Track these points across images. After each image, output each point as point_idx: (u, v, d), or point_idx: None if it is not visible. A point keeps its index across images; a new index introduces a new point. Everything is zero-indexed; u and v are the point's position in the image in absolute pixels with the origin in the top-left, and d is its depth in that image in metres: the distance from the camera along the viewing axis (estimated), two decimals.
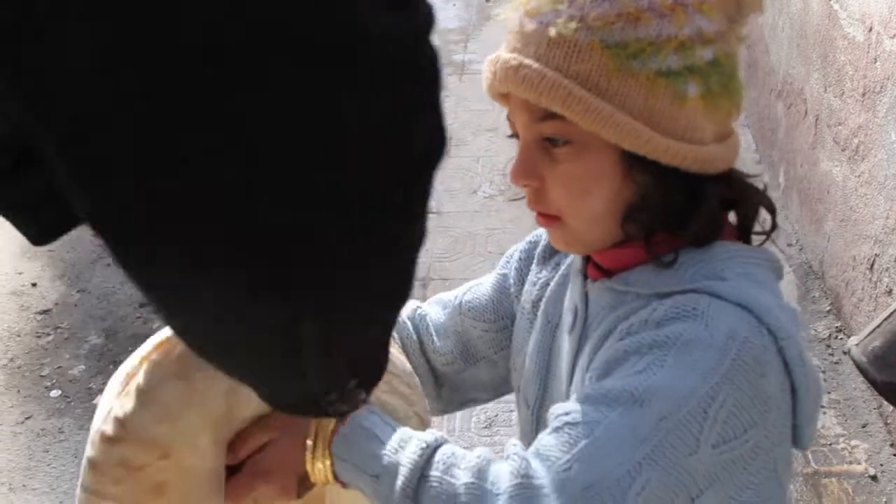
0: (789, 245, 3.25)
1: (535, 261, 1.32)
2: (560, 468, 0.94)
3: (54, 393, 3.11)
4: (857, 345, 2.63)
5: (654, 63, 1.01)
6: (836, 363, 2.68)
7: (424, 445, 1.00)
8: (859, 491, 2.39)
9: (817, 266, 3.06)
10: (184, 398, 0.98)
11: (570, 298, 1.22)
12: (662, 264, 1.07)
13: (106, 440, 0.97)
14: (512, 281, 1.36)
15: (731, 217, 1.13)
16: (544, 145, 1.05)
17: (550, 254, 1.30)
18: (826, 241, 2.97)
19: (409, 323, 1.39)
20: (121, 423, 0.96)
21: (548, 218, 1.08)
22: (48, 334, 3.40)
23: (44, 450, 2.87)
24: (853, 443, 2.42)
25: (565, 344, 1.21)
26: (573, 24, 1.00)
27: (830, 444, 2.41)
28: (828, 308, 2.90)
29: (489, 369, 1.36)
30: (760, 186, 1.13)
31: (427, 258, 3.34)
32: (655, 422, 0.94)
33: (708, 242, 1.07)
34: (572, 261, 1.24)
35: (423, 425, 1.19)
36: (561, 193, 1.06)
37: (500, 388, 1.39)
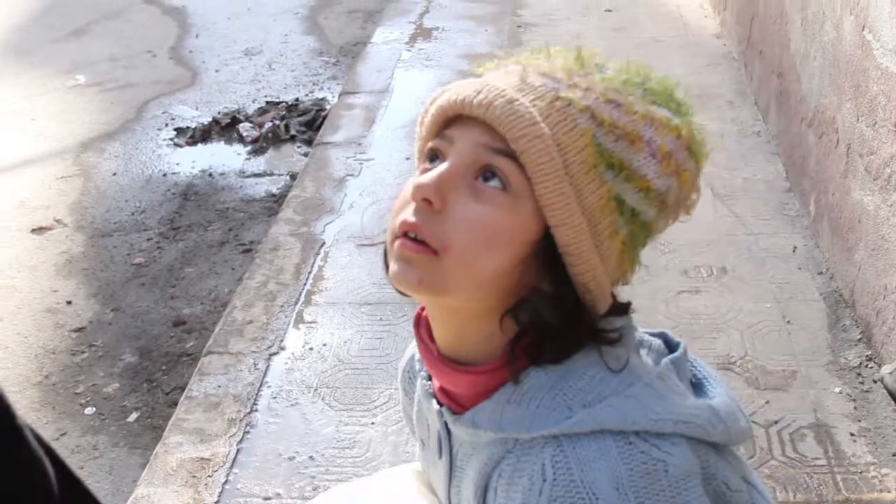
0: (820, 273, 3.25)
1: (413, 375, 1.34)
2: None
3: (89, 410, 3.14)
4: (890, 373, 2.64)
5: (619, 186, 1.02)
6: (867, 391, 2.69)
7: None
8: None
9: (848, 295, 3.07)
10: None
11: (431, 423, 1.22)
12: (504, 397, 1.07)
13: None
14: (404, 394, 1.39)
15: None
16: (474, 176, 1.03)
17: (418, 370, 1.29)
18: (857, 270, 2.98)
19: None
20: None
21: (423, 247, 1.02)
22: (83, 352, 3.44)
23: (78, 466, 2.89)
24: (884, 471, 2.42)
25: (439, 468, 1.22)
26: (584, 104, 1.02)
27: (861, 473, 2.42)
28: (858, 337, 2.91)
29: None
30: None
31: None
32: None
33: (559, 362, 1.06)
34: (420, 382, 1.24)
35: None
36: (462, 231, 1.01)
37: None
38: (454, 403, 1.15)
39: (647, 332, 1.22)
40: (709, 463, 1.07)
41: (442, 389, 1.17)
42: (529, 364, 1.07)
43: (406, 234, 1.03)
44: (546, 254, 1.02)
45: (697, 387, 1.22)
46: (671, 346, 1.21)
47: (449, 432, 1.18)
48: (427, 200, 1.02)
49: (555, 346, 1.05)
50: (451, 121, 1.06)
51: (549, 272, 1.03)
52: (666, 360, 1.15)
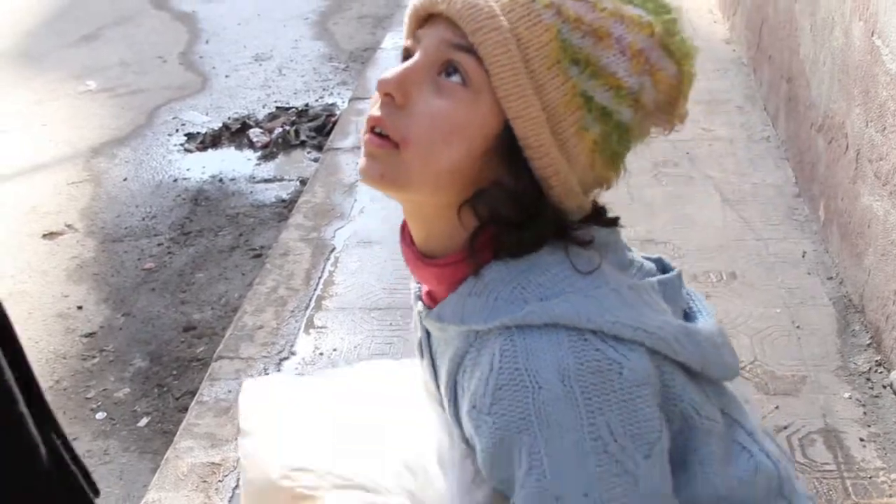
0: (829, 279, 3.25)
1: None
2: None
3: (99, 415, 3.16)
4: None
5: (586, 83, 1.02)
6: (876, 396, 2.69)
7: None
8: None
9: (857, 300, 3.07)
10: None
11: (417, 325, 1.25)
12: (466, 290, 1.08)
13: None
14: None
15: None
16: (437, 72, 1.05)
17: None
18: (866, 275, 2.98)
19: None
20: None
21: (386, 142, 1.05)
22: (93, 357, 3.45)
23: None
24: (893, 476, 2.42)
25: (425, 369, 1.26)
26: (547, 0, 1.02)
27: (870, 478, 2.42)
28: (868, 342, 2.91)
29: None
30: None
31: None
32: (582, 499, 0.96)
33: (518, 256, 1.06)
34: (412, 286, 1.26)
35: None
36: (423, 124, 1.03)
37: None
38: (435, 304, 1.16)
39: (644, 256, 1.22)
40: (673, 382, 1.06)
41: (429, 293, 1.19)
42: (493, 258, 1.08)
43: (373, 129, 1.06)
44: (506, 147, 1.03)
45: (690, 317, 1.22)
46: (666, 271, 1.21)
47: (428, 333, 1.20)
48: (389, 95, 1.04)
49: (512, 239, 1.06)
50: (425, 20, 1.08)
51: (509, 166, 1.04)
52: (653, 279, 1.15)
